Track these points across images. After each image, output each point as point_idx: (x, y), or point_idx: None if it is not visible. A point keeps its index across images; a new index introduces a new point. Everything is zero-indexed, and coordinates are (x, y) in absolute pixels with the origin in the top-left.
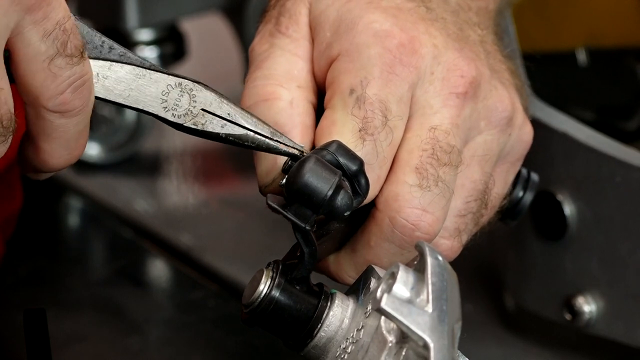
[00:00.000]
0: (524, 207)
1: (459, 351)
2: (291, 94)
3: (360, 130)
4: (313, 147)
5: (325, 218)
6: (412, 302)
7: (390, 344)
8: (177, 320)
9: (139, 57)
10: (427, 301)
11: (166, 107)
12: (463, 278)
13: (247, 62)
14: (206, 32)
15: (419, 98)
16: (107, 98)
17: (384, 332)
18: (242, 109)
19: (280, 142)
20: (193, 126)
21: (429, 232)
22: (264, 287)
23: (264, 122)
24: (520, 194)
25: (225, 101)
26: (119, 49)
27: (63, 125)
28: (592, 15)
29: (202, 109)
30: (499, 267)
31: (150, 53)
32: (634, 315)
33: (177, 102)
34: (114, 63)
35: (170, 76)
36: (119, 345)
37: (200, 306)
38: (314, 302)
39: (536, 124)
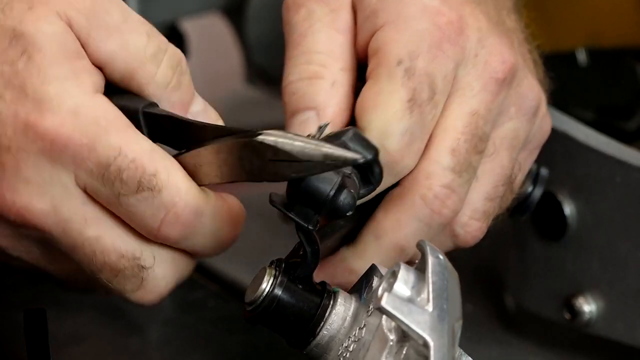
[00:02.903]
0: (534, 202)
1: (461, 350)
2: (334, 76)
3: (409, 101)
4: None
5: (328, 217)
6: (413, 301)
7: (391, 343)
8: (177, 320)
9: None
10: (428, 300)
11: (247, 172)
12: (463, 278)
13: (247, 62)
14: (206, 32)
15: (461, 79)
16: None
17: (385, 330)
18: (298, 137)
19: (339, 159)
20: (270, 177)
21: (454, 210)
22: (266, 285)
23: (317, 148)
24: (530, 188)
25: (279, 145)
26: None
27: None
28: (592, 15)
29: (269, 160)
30: (499, 267)
31: None
32: (634, 315)
33: (251, 163)
34: (193, 151)
35: (238, 140)
36: (119, 345)
37: (200, 306)
38: (317, 300)
39: None
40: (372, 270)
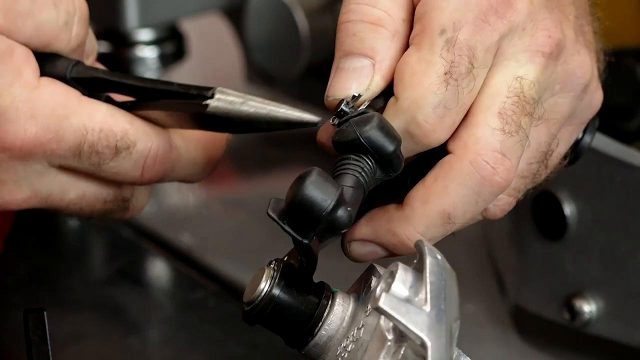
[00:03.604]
0: (583, 148)
1: (460, 350)
2: (396, 26)
3: (445, 74)
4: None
5: (324, 232)
6: (411, 301)
7: (389, 343)
8: (177, 320)
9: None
10: (425, 300)
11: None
12: (463, 278)
13: (247, 62)
14: (206, 32)
15: (506, 50)
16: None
17: (383, 330)
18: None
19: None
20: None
21: (506, 179)
22: (264, 285)
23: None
24: (580, 135)
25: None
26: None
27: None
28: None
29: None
30: (499, 267)
31: (150, 53)
32: (634, 315)
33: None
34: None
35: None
36: (119, 345)
37: (200, 306)
38: (315, 300)
39: None
40: (371, 270)
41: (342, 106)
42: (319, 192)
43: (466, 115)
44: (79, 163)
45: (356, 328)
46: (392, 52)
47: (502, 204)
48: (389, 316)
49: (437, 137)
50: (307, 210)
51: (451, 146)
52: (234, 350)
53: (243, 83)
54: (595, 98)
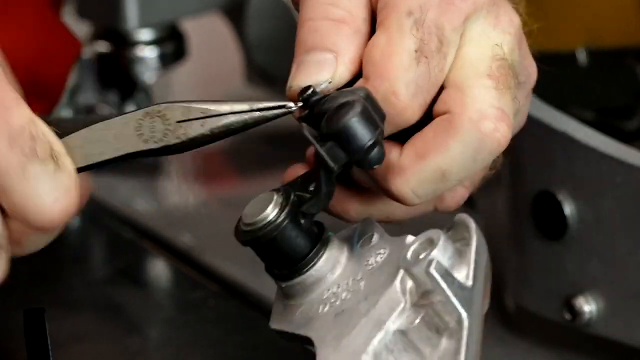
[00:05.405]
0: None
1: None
2: (357, 25)
3: (416, 51)
4: (351, 82)
5: (353, 165)
6: (451, 274)
7: (402, 304)
8: (177, 320)
9: (102, 115)
10: (468, 276)
11: (146, 139)
12: None
13: (247, 62)
14: (206, 32)
15: (474, 29)
16: (89, 164)
17: (397, 291)
18: (211, 101)
19: (265, 108)
20: (177, 140)
21: (506, 136)
22: (271, 212)
23: (238, 102)
24: None
25: (193, 104)
26: (82, 117)
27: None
28: (592, 15)
29: (176, 122)
30: (499, 267)
31: (150, 53)
32: (634, 315)
33: (152, 130)
34: (81, 130)
35: (136, 112)
36: (119, 345)
37: (200, 306)
38: (313, 240)
39: (536, 124)
40: (368, 224)
41: (309, 92)
42: (364, 124)
43: (454, 86)
44: None
45: (351, 278)
46: (354, 47)
47: (459, 196)
48: (435, 284)
49: (409, 115)
50: (348, 140)
51: (442, 108)
52: (234, 350)
53: (243, 83)
54: (526, 112)
